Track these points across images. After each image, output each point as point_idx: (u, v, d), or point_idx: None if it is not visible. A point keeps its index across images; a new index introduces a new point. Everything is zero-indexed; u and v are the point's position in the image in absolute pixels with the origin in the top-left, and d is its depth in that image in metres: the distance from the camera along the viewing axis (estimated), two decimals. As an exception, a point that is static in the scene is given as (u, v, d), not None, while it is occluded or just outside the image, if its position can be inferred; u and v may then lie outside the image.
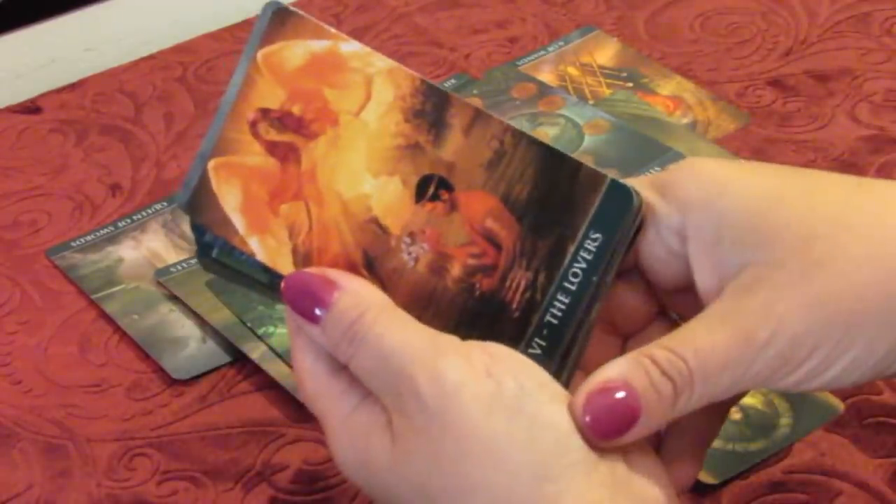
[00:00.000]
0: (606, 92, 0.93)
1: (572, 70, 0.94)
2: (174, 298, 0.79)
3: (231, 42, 0.99)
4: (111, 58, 0.99)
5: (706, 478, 0.68)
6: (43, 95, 0.95)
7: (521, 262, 0.55)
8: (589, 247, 0.54)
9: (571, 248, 0.55)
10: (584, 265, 0.54)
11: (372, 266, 0.57)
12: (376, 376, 0.54)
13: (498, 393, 0.52)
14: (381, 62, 0.57)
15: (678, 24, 0.98)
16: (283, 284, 0.56)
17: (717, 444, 0.70)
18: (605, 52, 0.96)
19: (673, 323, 0.59)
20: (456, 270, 0.56)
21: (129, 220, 0.85)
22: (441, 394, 0.52)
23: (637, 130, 0.89)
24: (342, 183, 0.57)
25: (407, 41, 0.98)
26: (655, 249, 0.57)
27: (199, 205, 0.58)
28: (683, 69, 0.94)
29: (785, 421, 0.71)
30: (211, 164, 0.58)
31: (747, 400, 0.72)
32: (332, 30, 0.58)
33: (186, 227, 0.84)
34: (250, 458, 0.71)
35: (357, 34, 0.99)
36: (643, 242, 0.57)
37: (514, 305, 0.55)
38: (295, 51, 0.58)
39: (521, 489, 0.51)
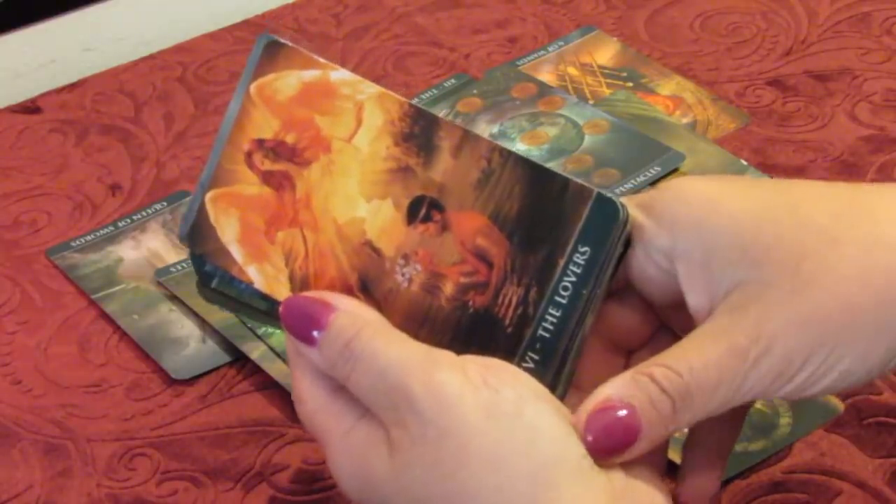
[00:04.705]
0: (606, 92, 0.93)
1: (572, 70, 0.94)
2: (174, 298, 0.79)
3: (231, 42, 0.99)
4: (111, 58, 0.99)
5: (706, 478, 0.68)
6: (43, 95, 0.95)
7: (512, 278, 0.56)
8: (578, 260, 0.55)
9: (561, 263, 0.55)
10: (573, 279, 0.55)
11: (367, 288, 0.58)
12: (373, 392, 0.55)
13: (496, 402, 0.53)
14: (371, 88, 0.59)
15: (678, 24, 0.98)
16: (280, 308, 0.57)
17: (717, 444, 0.70)
18: (605, 52, 0.96)
19: (675, 336, 0.59)
20: (449, 289, 0.57)
21: (129, 220, 0.85)
22: (438, 404, 0.53)
23: (637, 130, 0.89)
24: (336, 208, 0.58)
25: (407, 41, 0.98)
26: (646, 269, 0.57)
27: (198, 236, 0.59)
28: (683, 69, 0.94)
29: (785, 421, 0.71)
30: (208, 196, 0.59)
31: (747, 400, 0.72)
32: (322, 59, 0.59)
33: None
34: (250, 458, 0.71)
35: (357, 34, 0.99)
36: (633, 262, 0.57)
37: (507, 321, 0.56)
38: (287, 81, 0.59)
39: (520, 495, 0.52)
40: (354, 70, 0.96)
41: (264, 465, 0.71)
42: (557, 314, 0.56)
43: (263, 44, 0.59)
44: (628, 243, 0.57)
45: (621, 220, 0.55)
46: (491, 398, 0.53)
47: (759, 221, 0.55)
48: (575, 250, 0.55)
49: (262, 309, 0.59)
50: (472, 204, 0.57)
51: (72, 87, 0.96)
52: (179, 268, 0.81)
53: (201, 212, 0.59)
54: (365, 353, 0.55)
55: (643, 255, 0.57)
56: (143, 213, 0.85)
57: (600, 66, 0.95)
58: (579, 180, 0.56)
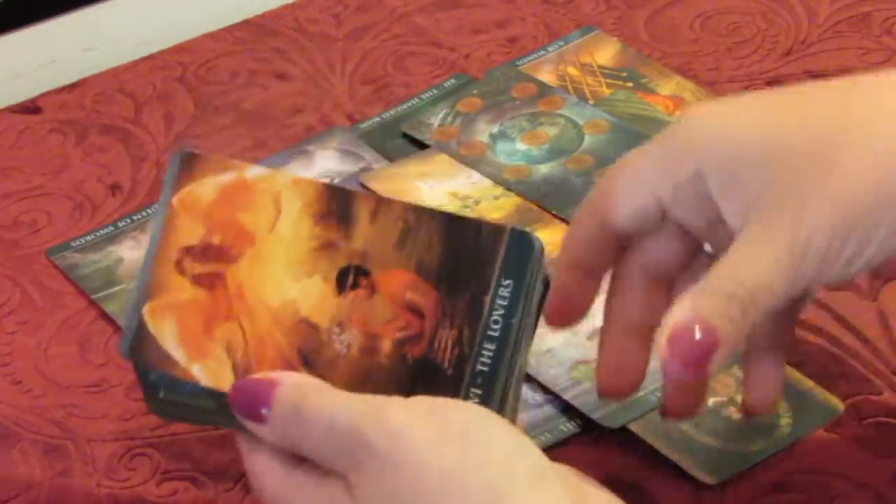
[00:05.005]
0: (606, 92, 0.93)
1: (572, 70, 0.94)
2: (174, 298, 0.79)
3: (231, 42, 0.99)
4: (111, 58, 0.99)
5: (706, 478, 0.68)
6: (43, 95, 0.95)
7: (444, 323, 0.59)
8: (503, 293, 0.59)
9: (487, 299, 0.59)
10: (502, 311, 0.59)
11: (309, 363, 0.60)
12: (327, 445, 0.56)
13: (444, 428, 0.55)
14: (285, 178, 0.62)
15: (678, 24, 0.98)
16: (228, 395, 0.59)
17: (716, 444, 0.70)
18: (605, 52, 0.96)
19: (710, 257, 0.63)
20: (386, 346, 0.59)
21: (129, 220, 0.85)
22: (389, 437, 0.54)
23: (637, 130, 0.89)
24: (268, 294, 0.60)
25: (407, 41, 0.98)
26: (679, 196, 0.61)
27: (140, 349, 0.61)
28: (683, 69, 0.94)
29: (785, 421, 0.71)
30: (145, 309, 0.61)
31: (747, 400, 0.72)
32: (236, 161, 0.62)
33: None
34: (250, 458, 0.71)
35: (357, 34, 0.99)
36: (665, 192, 0.61)
37: (446, 364, 0.59)
38: (205, 188, 0.62)
39: None
40: (355, 70, 0.96)
41: (264, 465, 0.71)
42: (492, 347, 0.59)
43: (179, 158, 0.62)
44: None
45: (537, 250, 0.59)
46: (438, 425, 0.55)
47: (773, 124, 0.59)
48: (499, 285, 0.59)
49: (212, 408, 0.61)
50: (395, 263, 0.60)
51: (72, 87, 0.96)
52: (179, 268, 0.81)
53: (140, 326, 0.61)
54: (313, 412, 0.56)
55: (673, 183, 0.60)
56: (143, 213, 0.85)
57: (600, 66, 0.95)
58: (491, 220, 0.60)
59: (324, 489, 0.57)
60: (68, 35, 1.02)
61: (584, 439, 0.71)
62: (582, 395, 0.72)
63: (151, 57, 0.98)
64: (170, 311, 0.61)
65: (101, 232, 0.84)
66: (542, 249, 0.59)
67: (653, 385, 0.72)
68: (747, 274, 0.57)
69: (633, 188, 0.61)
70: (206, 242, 0.61)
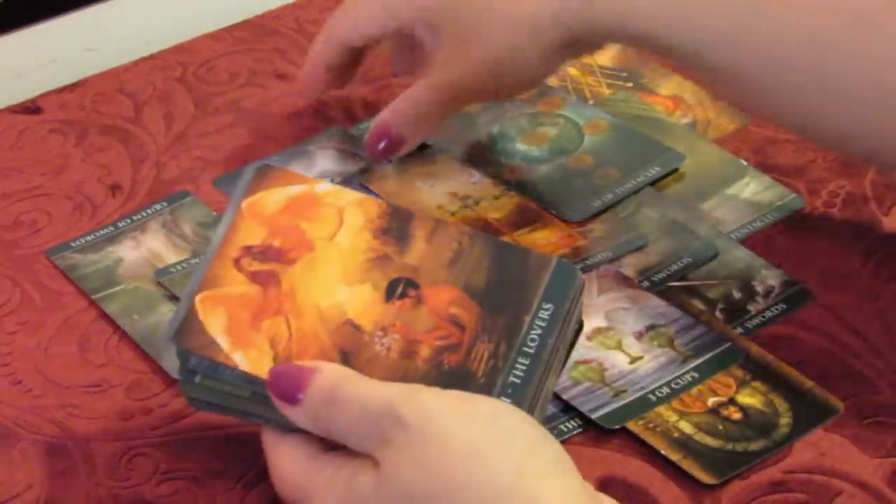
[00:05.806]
0: (606, 92, 0.93)
1: (572, 70, 0.94)
2: (174, 298, 0.79)
3: (231, 42, 0.99)
4: (111, 58, 0.99)
5: (706, 478, 0.68)
6: (43, 95, 0.95)
7: (482, 337, 0.63)
8: (543, 315, 0.63)
9: (527, 319, 0.63)
10: (539, 331, 0.63)
11: (347, 360, 0.62)
12: (358, 426, 0.58)
13: (473, 411, 0.58)
14: (352, 195, 0.67)
15: (678, 24, 0.98)
16: (267, 376, 0.61)
17: (716, 444, 0.70)
18: (605, 52, 0.96)
19: None
20: (425, 352, 0.63)
21: (129, 220, 0.85)
22: (423, 417, 0.57)
23: (637, 130, 0.89)
24: (318, 295, 0.64)
25: (407, 41, 0.98)
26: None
27: (186, 333, 0.63)
28: (683, 69, 0.94)
29: (785, 421, 0.71)
30: (198, 297, 0.64)
31: (747, 400, 0.72)
32: (308, 176, 0.67)
33: (186, 227, 0.84)
34: (250, 457, 0.71)
35: (357, 34, 0.99)
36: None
37: (480, 374, 0.62)
38: (274, 197, 0.66)
39: (502, 484, 0.55)
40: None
41: (264, 465, 0.70)
42: (526, 362, 0.62)
43: (255, 168, 0.67)
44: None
45: (578, 282, 0.64)
46: (469, 409, 0.58)
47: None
48: (539, 307, 0.63)
49: (246, 395, 0.63)
50: (445, 280, 0.64)
51: (72, 87, 0.96)
52: (179, 268, 0.81)
53: (190, 311, 0.64)
54: (348, 395, 0.59)
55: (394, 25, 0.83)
56: (143, 214, 0.85)
57: (600, 66, 0.95)
58: (538, 251, 0.65)
59: (343, 470, 0.59)
60: (68, 35, 1.02)
61: (584, 439, 0.71)
62: (582, 395, 0.72)
63: (151, 57, 0.98)
64: (221, 301, 0.64)
65: (101, 232, 0.84)
66: (583, 283, 0.64)
67: (652, 385, 0.72)
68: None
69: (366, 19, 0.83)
70: (267, 244, 0.65)
